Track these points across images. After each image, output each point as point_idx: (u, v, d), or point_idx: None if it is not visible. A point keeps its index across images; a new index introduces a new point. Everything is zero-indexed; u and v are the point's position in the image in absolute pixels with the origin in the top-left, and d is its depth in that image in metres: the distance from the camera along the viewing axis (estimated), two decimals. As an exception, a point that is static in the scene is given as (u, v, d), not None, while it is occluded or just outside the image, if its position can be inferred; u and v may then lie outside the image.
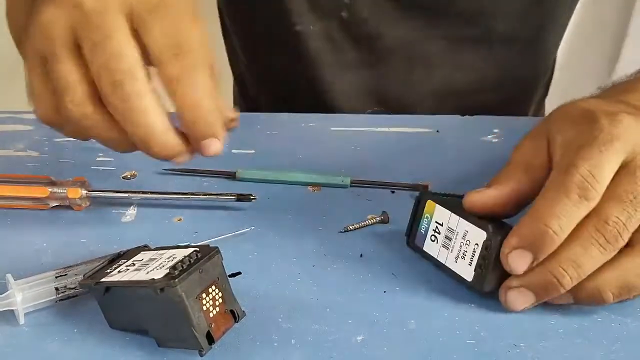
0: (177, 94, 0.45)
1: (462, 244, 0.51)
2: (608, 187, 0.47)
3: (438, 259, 0.53)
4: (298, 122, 0.78)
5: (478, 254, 0.50)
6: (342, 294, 0.52)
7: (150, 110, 0.46)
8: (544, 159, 0.52)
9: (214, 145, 0.47)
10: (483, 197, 0.51)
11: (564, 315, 0.51)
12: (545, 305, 0.50)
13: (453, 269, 0.52)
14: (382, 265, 0.56)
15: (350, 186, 0.66)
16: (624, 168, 0.48)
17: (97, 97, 0.46)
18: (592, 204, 0.47)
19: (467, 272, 0.51)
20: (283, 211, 0.62)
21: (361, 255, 0.56)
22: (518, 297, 0.49)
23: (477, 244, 0.50)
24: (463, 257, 0.51)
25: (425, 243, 0.54)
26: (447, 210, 0.52)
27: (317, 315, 0.50)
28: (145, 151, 0.48)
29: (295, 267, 0.55)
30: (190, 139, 0.48)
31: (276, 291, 0.52)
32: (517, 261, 0.48)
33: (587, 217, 0.47)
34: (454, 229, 0.52)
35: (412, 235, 0.55)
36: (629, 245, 0.48)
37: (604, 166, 0.47)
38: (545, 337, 0.49)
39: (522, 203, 0.52)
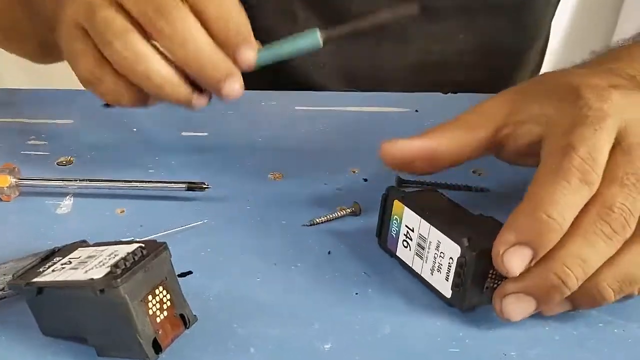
0: (209, 6, 0.55)
1: (436, 255, 0.51)
2: (605, 170, 0.47)
3: (413, 268, 0.53)
4: (257, 100, 0.78)
5: (453, 271, 0.49)
6: (307, 296, 0.52)
7: (196, 30, 0.55)
8: (494, 126, 0.53)
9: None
10: (404, 148, 0.52)
11: (560, 320, 0.51)
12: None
13: (430, 282, 0.51)
14: (352, 264, 0.56)
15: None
16: (617, 147, 0.48)
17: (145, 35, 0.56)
18: (593, 188, 0.47)
19: (444, 287, 0.50)
20: (240, 201, 0.62)
21: (329, 252, 0.56)
22: (516, 305, 0.48)
23: (451, 259, 0.49)
24: (439, 271, 0.50)
25: (398, 248, 0.54)
26: (417, 216, 0.52)
27: (278, 320, 0.50)
28: (198, 74, 0.56)
29: (254, 265, 0.55)
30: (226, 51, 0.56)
31: (232, 293, 0.52)
32: (515, 260, 0.47)
33: (588, 205, 0.47)
34: (426, 237, 0.51)
35: (383, 237, 0.55)
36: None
37: (602, 147, 0.47)
38: (539, 345, 0.49)
39: (445, 164, 0.53)
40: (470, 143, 0.54)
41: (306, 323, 0.50)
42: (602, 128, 0.48)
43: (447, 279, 0.49)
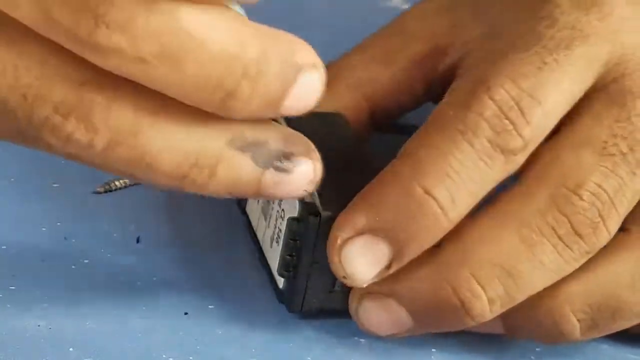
0: None
1: (278, 213, 0.40)
2: (565, 130, 0.36)
3: (257, 233, 0.42)
4: None
5: (282, 243, 0.39)
6: (89, 318, 0.40)
7: None
8: (418, 50, 0.43)
9: None
10: None
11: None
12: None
13: (267, 259, 0.41)
14: (171, 255, 0.44)
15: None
16: (601, 93, 0.37)
17: None
18: (519, 159, 0.35)
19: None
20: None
21: (138, 240, 0.44)
22: (380, 315, 0.37)
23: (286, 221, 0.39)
24: (277, 241, 0.40)
25: (248, 202, 0.44)
26: None
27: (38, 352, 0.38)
28: None
29: (13, 262, 0.43)
30: None
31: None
32: (360, 259, 0.36)
33: (527, 181, 0.36)
34: None
35: None
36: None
37: (547, 90, 0.35)
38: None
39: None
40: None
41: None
42: (561, 61, 0.35)
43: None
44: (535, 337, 0.38)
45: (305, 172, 0.33)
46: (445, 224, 0.35)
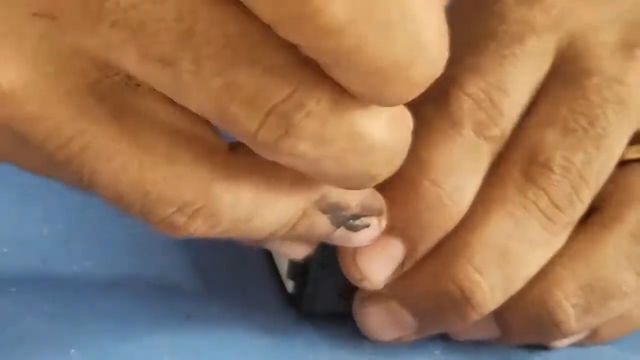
0: None
1: None
2: (529, 114, 0.37)
3: None
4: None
5: None
6: (91, 320, 0.39)
7: None
8: None
9: None
10: None
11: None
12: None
13: (276, 262, 0.41)
14: (174, 257, 0.43)
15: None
16: (558, 77, 0.38)
17: None
18: (498, 147, 0.37)
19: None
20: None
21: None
22: (381, 318, 0.37)
23: None
24: None
25: None
26: None
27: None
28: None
29: (14, 264, 0.43)
30: None
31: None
32: (375, 259, 0.35)
33: (505, 166, 0.37)
34: None
35: None
36: (594, 212, 0.37)
37: (511, 82, 0.37)
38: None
39: None
40: None
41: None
42: (521, 52, 0.37)
43: None
44: (530, 334, 0.38)
45: (372, 233, 0.33)
46: (455, 215, 0.35)
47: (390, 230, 0.35)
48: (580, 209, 0.36)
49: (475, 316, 0.35)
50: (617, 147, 0.36)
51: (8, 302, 0.40)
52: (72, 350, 0.38)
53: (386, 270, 0.36)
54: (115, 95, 0.27)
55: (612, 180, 0.37)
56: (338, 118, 0.26)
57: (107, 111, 0.27)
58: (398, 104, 0.27)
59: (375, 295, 0.37)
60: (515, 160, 0.36)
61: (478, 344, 0.39)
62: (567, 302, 0.36)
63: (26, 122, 0.27)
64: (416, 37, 0.24)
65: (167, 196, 0.28)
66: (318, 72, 0.25)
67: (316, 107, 0.25)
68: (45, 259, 0.43)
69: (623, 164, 0.37)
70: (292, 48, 0.25)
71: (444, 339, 0.39)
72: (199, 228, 0.29)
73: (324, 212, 0.31)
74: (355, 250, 0.35)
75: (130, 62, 0.25)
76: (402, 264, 0.36)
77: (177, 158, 0.28)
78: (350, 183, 0.29)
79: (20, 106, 0.26)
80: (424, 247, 0.35)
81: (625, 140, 0.36)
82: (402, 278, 0.36)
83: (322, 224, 0.32)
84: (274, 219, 0.30)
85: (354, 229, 0.33)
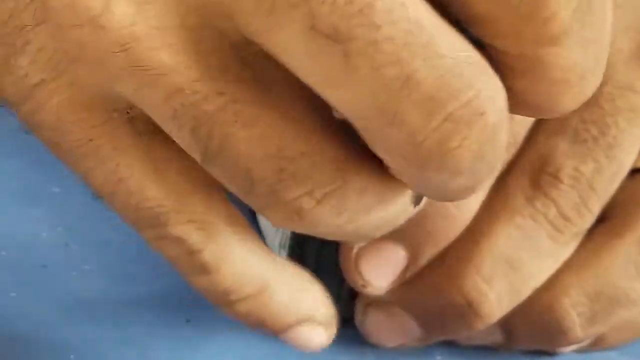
0: None
1: None
2: (537, 122, 0.36)
3: (266, 239, 0.40)
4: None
5: (287, 249, 0.38)
6: (90, 325, 0.39)
7: None
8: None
9: None
10: None
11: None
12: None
13: None
14: None
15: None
16: None
17: None
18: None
19: None
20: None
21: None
22: (383, 324, 0.37)
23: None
24: (284, 247, 0.40)
25: None
26: None
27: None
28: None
29: (14, 267, 0.42)
30: None
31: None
32: (377, 265, 0.35)
33: (513, 174, 0.36)
34: None
35: None
36: (604, 220, 0.37)
37: None
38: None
39: None
40: None
41: None
42: None
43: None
44: (535, 341, 0.38)
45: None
46: (460, 223, 0.35)
47: (393, 237, 0.34)
48: (590, 219, 0.35)
49: (481, 326, 0.35)
50: (628, 156, 0.35)
51: (7, 306, 0.40)
52: (72, 356, 0.38)
53: (388, 277, 0.35)
54: (257, 63, 0.25)
55: (623, 189, 0.36)
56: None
57: (251, 76, 0.25)
58: (561, 115, 0.25)
59: (378, 302, 0.36)
60: (524, 169, 0.35)
61: (481, 350, 0.39)
62: (573, 310, 0.36)
63: (154, 73, 0.24)
64: (604, 52, 0.24)
65: (301, 175, 0.25)
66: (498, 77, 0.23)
67: (493, 113, 0.23)
68: (45, 262, 0.43)
69: (634, 172, 0.37)
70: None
71: (446, 343, 0.38)
72: (323, 216, 0.26)
73: (416, 204, 0.29)
74: (357, 256, 0.35)
75: (294, 32, 0.22)
76: (405, 270, 0.35)
77: (314, 133, 0.26)
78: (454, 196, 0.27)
79: (152, 54, 0.24)
80: (427, 255, 0.35)
81: (636, 149, 0.36)
82: (406, 285, 0.36)
83: (411, 213, 0.30)
84: (390, 213, 0.28)
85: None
